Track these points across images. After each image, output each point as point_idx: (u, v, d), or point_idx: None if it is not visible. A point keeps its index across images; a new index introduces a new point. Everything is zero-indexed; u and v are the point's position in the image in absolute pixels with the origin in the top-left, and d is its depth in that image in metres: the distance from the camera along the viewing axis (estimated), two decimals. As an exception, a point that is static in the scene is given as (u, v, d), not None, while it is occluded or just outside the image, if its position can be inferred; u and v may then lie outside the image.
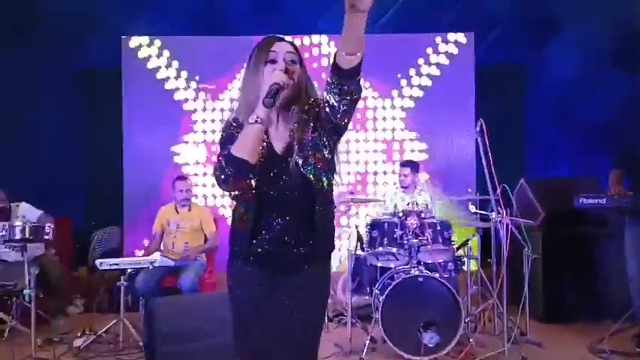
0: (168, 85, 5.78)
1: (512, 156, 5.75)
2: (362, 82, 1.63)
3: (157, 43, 5.78)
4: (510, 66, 6.02)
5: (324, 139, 1.72)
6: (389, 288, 3.45)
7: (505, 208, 3.69)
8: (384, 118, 5.80)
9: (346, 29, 1.50)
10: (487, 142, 3.52)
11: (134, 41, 5.78)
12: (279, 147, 1.73)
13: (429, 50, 5.75)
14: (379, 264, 3.91)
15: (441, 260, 3.84)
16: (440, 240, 3.76)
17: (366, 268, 4.07)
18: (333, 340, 3.81)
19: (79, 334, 3.85)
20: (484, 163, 3.56)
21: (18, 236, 3.67)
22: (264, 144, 1.70)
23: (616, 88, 5.48)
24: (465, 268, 4.15)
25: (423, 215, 3.79)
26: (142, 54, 5.77)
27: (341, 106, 1.62)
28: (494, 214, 3.61)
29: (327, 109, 1.65)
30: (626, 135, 4.07)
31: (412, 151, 5.77)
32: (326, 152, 1.74)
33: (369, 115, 5.79)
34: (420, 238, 3.70)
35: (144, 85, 5.76)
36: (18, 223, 3.71)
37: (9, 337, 3.95)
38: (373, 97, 5.79)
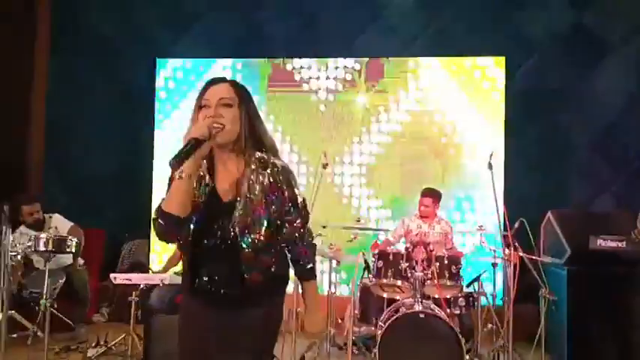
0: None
1: (550, 185, 5.48)
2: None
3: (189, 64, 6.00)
4: (550, 91, 5.75)
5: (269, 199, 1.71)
6: (389, 321, 3.38)
7: (520, 245, 3.54)
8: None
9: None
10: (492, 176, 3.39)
11: (169, 63, 6.02)
12: (223, 191, 1.70)
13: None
14: (385, 295, 3.84)
15: (448, 296, 3.72)
16: (446, 275, 3.63)
17: (374, 299, 3.99)
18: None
19: (93, 344, 4.03)
20: (495, 197, 3.43)
21: (42, 248, 3.90)
22: (207, 187, 1.68)
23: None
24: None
25: (430, 248, 3.69)
26: (177, 75, 6.01)
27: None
28: (506, 252, 3.46)
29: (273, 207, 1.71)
30: None
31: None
32: (272, 208, 1.71)
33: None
34: (426, 271, 3.60)
35: (177, 105, 6.00)
36: (43, 235, 3.94)
37: (33, 342, 4.19)
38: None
